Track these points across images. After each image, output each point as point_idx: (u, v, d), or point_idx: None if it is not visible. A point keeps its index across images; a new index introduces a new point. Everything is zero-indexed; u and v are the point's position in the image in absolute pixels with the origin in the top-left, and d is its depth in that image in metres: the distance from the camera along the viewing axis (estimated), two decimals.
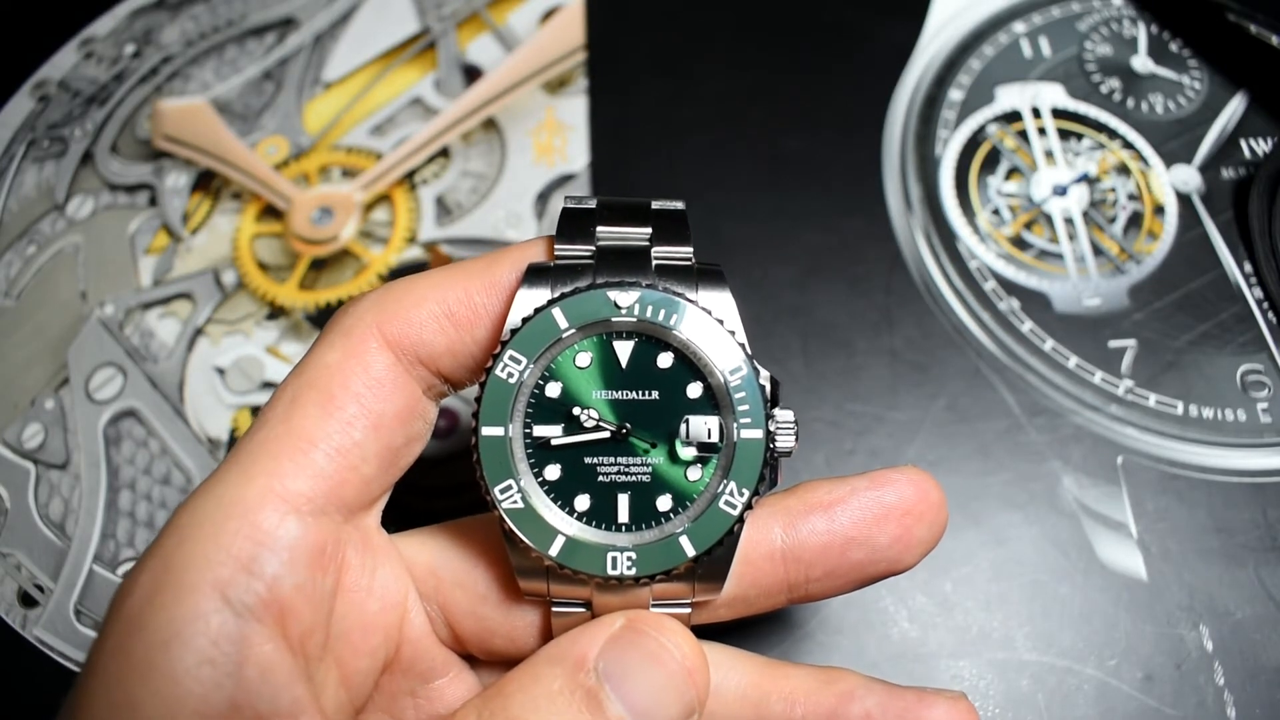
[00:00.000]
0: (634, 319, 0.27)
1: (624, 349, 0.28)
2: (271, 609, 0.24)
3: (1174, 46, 0.52)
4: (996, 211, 0.48)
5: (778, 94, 0.51)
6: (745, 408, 0.27)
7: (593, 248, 0.28)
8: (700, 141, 0.50)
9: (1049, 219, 0.47)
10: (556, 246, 0.29)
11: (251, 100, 0.53)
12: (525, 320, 0.27)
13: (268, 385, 0.45)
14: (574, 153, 0.50)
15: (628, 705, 0.24)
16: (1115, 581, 0.39)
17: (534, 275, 0.28)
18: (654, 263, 0.28)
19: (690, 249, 0.29)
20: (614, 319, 0.27)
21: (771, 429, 0.27)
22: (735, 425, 0.27)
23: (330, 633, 0.26)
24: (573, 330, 0.27)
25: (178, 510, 0.26)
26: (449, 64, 0.53)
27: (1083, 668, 0.37)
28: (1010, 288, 0.45)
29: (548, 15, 0.55)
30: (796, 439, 0.27)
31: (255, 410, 0.44)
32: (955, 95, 0.51)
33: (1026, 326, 0.44)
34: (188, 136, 0.52)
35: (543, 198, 0.49)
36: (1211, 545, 0.39)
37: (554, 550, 0.26)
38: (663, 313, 0.27)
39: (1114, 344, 0.44)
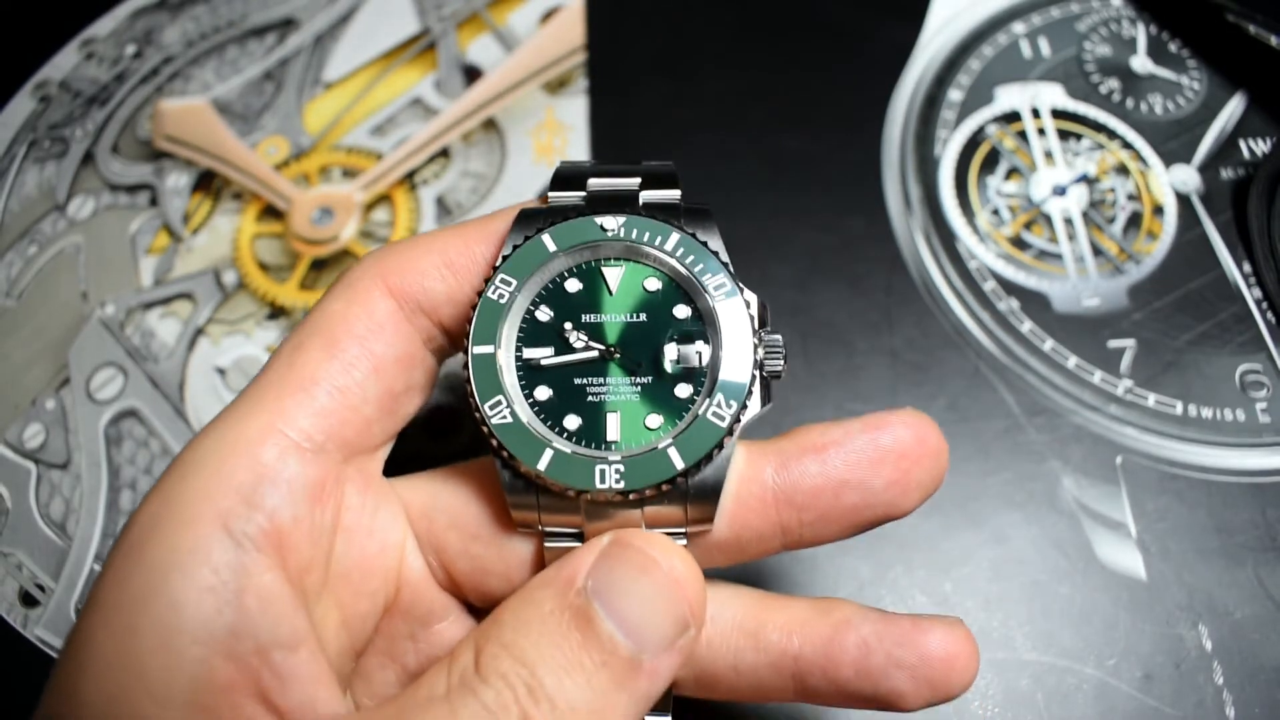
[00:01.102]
0: (621, 241, 0.28)
1: (613, 274, 0.29)
2: (271, 539, 0.25)
3: (1173, 47, 0.52)
4: (996, 212, 0.48)
5: (778, 94, 0.51)
6: (732, 326, 0.28)
7: (584, 193, 0.29)
8: (700, 141, 0.50)
9: (1048, 219, 0.47)
10: (549, 194, 0.30)
11: (252, 100, 0.53)
12: (516, 247, 0.28)
13: None
14: (574, 153, 0.50)
15: (617, 621, 0.24)
16: (1115, 581, 0.39)
17: (525, 218, 0.29)
18: (641, 202, 0.29)
19: (678, 192, 0.29)
20: (602, 242, 0.28)
21: (759, 349, 0.27)
22: (722, 344, 0.27)
23: (330, 571, 0.27)
24: (561, 253, 0.28)
25: (182, 450, 0.26)
26: (449, 64, 0.54)
27: (1082, 667, 0.37)
28: (1010, 288, 0.45)
29: (548, 15, 0.55)
30: (785, 360, 0.28)
31: None
32: (955, 95, 0.51)
33: (1026, 326, 0.44)
34: (188, 137, 0.52)
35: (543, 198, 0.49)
36: (1211, 545, 0.39)
37: (542, 464, 0.26)
38: (648, 234, 0.28)
39: (1113, 344, 0.44)
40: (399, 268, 0.29)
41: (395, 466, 0.30)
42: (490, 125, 0.51)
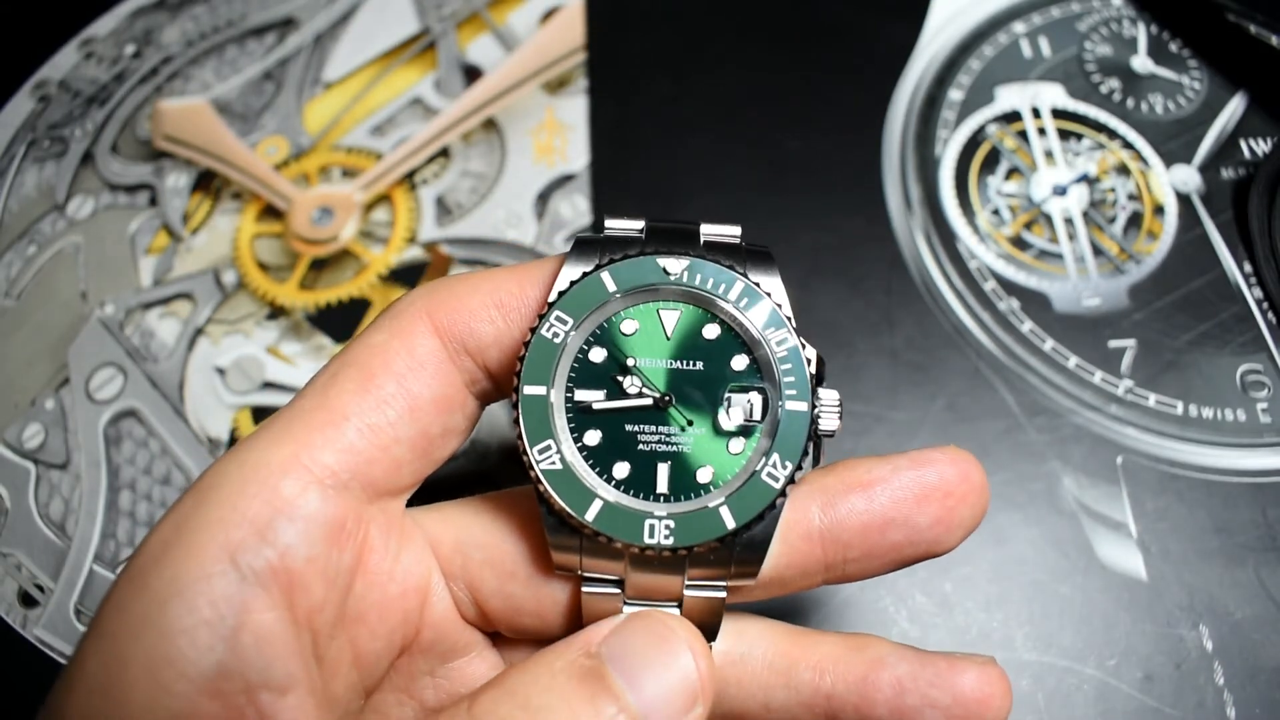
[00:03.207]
0: (683, 287, 0.27)
1: (671, 317, 0.28)
2: (280, 578, 0.24)
3: (1174, 47, 0.52)
4: (996, 211, 0.48)
5: (778, 94, 0.51)
6: (791, 380, 0.27)
7: (642, 223, 0.29)
8: (700, 141, 0.50)
9: (1049, 219, 0.47)
10: (608, 221, 0.29)
11: (252, 100, 0.53)
12: (573, 283, 0.27)
13: (268, 385, 0.45)
14: (574, 153, 0.50)
15: (629, 682, 0.24)
16: (1115, 581, 0.39)
17: (581, 246, 0.28)
18: (703, 239, 0.28)
19: (739, 229, 0.29)
20: (662, 285, 0.27)
21: (816, 407, 0.27)
22: (780, 399, 0.27)
23: (345, 612, 0.26)
24: (620, 294, 0.27)
25: (201, 475, 0.26)
26: (449, 64, 0.53)
27: (1082, 668, 0.37)
28: (1010, 288, 0.45)
29: (548, 15, 0.55)
30: (841, 419, 0.27)
31: (256, 410, 0.44)
32: (955, 95, 0.51)
33: (1026, 326, 0.44)
34: (188, 137, 0.52)
35: (543, 198, 0.49)
36: (1211, 545, 0.39)
37: (590, 515, 0.26)
38: (711, 282, 0.27)
39: (1114, 344, 0.44)
40: (448, 305, 0.28)
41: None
42: (490, 125, 0.51)
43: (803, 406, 0.27)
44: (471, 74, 0.53)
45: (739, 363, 0.27)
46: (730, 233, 0.29)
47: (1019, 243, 0.47)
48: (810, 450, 0.27)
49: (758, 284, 0.27)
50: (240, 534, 0.24)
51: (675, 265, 0.27)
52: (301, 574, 0.24)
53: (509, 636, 0.29)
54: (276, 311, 0.47)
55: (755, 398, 0.27)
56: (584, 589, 0.27)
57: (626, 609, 0.27)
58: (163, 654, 0.22)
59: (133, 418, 0.44)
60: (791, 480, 0.26)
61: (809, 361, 0.27)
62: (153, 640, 0.23)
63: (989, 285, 0.45)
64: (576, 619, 0.28)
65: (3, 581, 0.41)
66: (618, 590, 0.27)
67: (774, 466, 0.26)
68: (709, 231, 0.29)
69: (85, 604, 0.40)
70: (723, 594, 0.27)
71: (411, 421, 0.27)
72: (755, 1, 0.54)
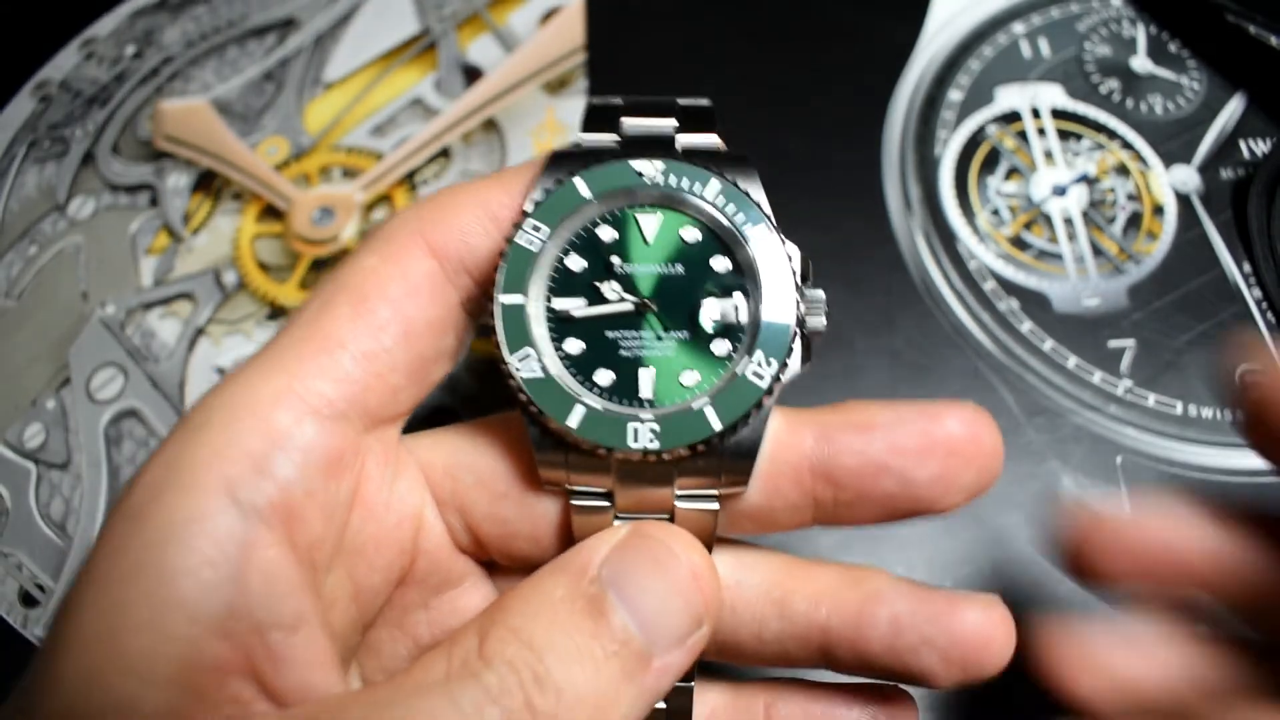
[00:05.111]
0: (659, 188, 0.27)
1: (649, 221, 0.27)
2: (280, 512, 0.23)
3: (1173, 47, 0.52)
4: (996, 212, 0.48)
5: (777, 94, 0.51)
6: (773, 280, 0.26)
7: (618, 136, 0.28)
8: None
9: (1048, 219, 0.47)
10: (582, 134, 0.28)
11: (252, 101, 0.53)
12: (548, 191, 0.27)
13: None
14: None
15: (631, 612, 0.23)
16: None
17: (557, 160, 0.27)
18: (680, 148, 0.28)
19: (716, 137, 0.28)
20: (639, 189, 0.27)
21: (800, 305, 0.26)
22: (762, 299, 0.26)
23: (343, 545, 0.25)
24: (595, 199, 0.27)
25: (189, 411, 0.24)
26: (449, 64, 0.54)
27: None
28: (1010, 288, 0.45)
29: (548, 16, 0.55)
30: (827, 317, 0.26)
31: None
32: (955, 96, 0.51)
33: (1026, 326, 0.44)
34: (189, 137, 0.52)
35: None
36: None
37: (573, 420, 0.25)
38: (687, 181, 0.27)
39: (1113, 344, 0.44)
40: (440, 222, 0.27)
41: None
42: (490, 125, 0.51)
43: (786, 305, 0.26)
44: (472, 74, 0.53)
45: (720, 264, 0.27)
46: (708, 142, 0.28)
47: (1018, 243, 0.47)
48: (796, 349, 0.26)
49: (735, 183, 0.27)
50: (237, 469, 0.23)
51: (650, 168, 0.27)
52: (301, 508, 0.23)
53: (503, 564, 0.29)
54: (277, 312, 0.47)
55: (738, 298, 0.26)
56: (573, 503, 0.26)
57: (617, 524, 0.26)
58: (167, 597, 0.21)
59: (133, 418, 0.44)
60: (778, 379, 0.25)
61: (790, 258, 0.26)
62: (154, 583, 0.21)
63: (989, 285, 0.45)
64: (570, 540, 0.27)
65: (3, 581, 0.41)
66: (608, 504, 0.26)
67: (758, 365, 0.25)
68: (686, 141, 0.28)
69: None
70: (715, 505, 0.26)
71: (407, 346, 0.26)
72: (755, 2, 0.54)
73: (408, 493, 0.27)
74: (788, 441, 0.27)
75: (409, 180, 0.50)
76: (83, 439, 0.44)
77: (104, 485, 0.43)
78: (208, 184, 0.51)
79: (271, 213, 0.50)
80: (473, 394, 0.43)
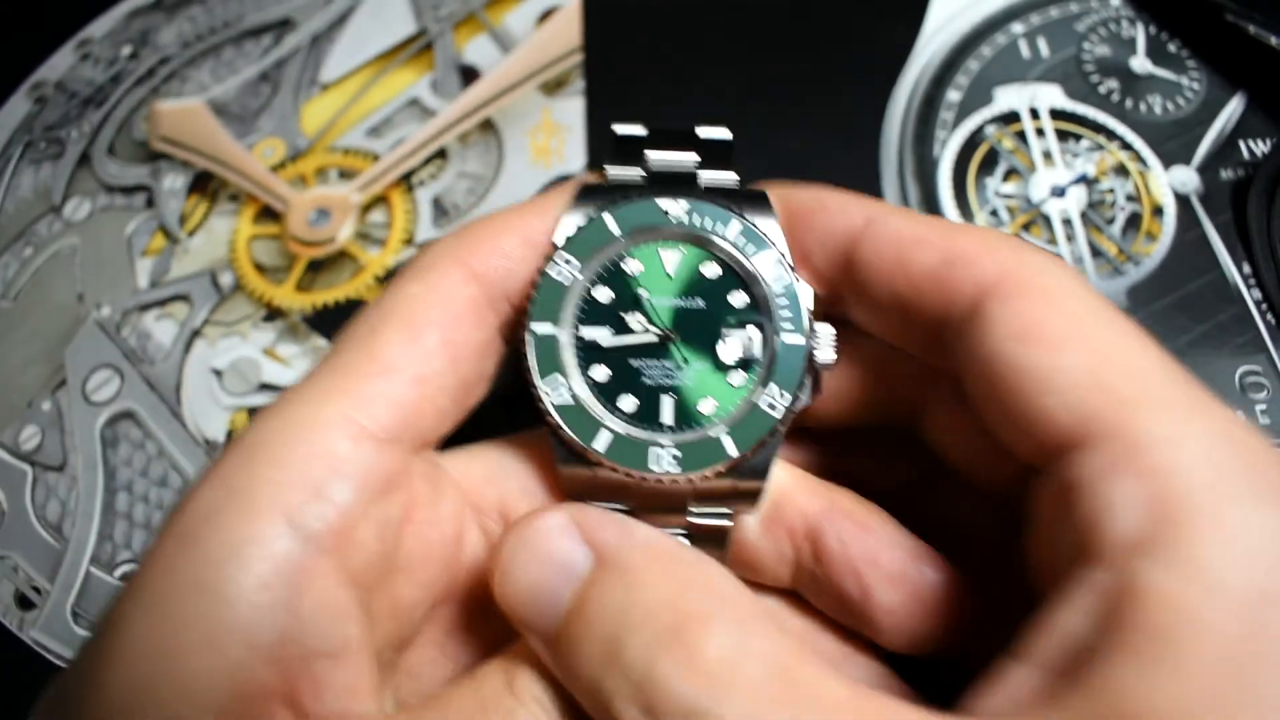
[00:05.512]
0: (683, 227, 0.29)
1: (673, 257, 0.29)
2: (337, 537, 0.23)
3: (1172, 47, 0.52)
4: (995, 213, 0.47)
5: (776, 94, 0.51)
6: (787, 315, 0.28)
7: (643, 170, 0.30)
8: None
9: (1047, 220, 0.47)
10: (608, 167, 0.30)
11: (248, 102, 0.53)
12: (579, 227, 0.28)
13: (265, 387, 0.45)
14: (571, 154, 0.50)
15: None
16: None
17: (587, 193, 0.29)
18: (702, 185, 0.30)
19: (735, 176, 0.30)
20: (664, 226, 0.29)
21: (810, 340, 0.28)
22: (778, 333, 0.28)
23: (392, 565, 0.25)
24: (623, 236, 0.28)
25: (245, 430, 0.25)
26: (446, 65, 0.53)
27: None
28: None
29: (545, 16, 0.55)
30: (838, 351, 0.28)
31: (253, 412, 0.44)
32: (953, 96, 0.51)
33: None
34: (185, 138, 0.52)
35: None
36: None
37: (599, 445, 0.27)
38: (710, 221, 0.29)
39: None
40: (479, 249, 0.28)
41: None
42: (487, 126, 0.51)
43: (799, 340, 0.28)
44: (468, 75, 0.53)
45: (738, 299, 0.29)
46: (727, 180, 0.30)
47: None
48: (808, 383, 0.28)
49: (754, 224, 0.29)
50: (295, 493, 0.23)
51: (675, 207, 0.29)
52: (356, 532, 0.24)
53: None
54: (273, 313, 0.47)
55: (754, 332, 0.28)
56: None
57: None
58: (223, 619, 0.22)
59: (130, 419, 0.44)
60: (790, 410, 0.27)
61: (803, 296, 0.28)
62: (210, 605, 0.22)
63: None
64: None
65: None
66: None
67: (773, 397, 0.27)
68: (707, 178, 0.30)
69: (82, 606, 0.40)
70: (729, 522, 0.28)
71: (454, 370, 0.27)
72: (753, 2, 0.54)
73: (450, 510, 0.28)
74: (797, 501, 0.28)
75: (406, 181, 0.50)
76: (79, 441, 0.44)
77: (100, 487, 0.43)
78: (204, 185, 0.50)
79: (268, 214, 0.49)
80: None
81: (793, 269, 0.28)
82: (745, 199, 0.29)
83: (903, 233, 0.27)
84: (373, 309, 0.27)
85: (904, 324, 0.28)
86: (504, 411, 0.30)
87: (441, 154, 0.51)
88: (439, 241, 0.28)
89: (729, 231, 0.28)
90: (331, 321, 0.46)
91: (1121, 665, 0.19)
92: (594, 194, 0.29)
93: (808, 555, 0.28)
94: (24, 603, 0.40)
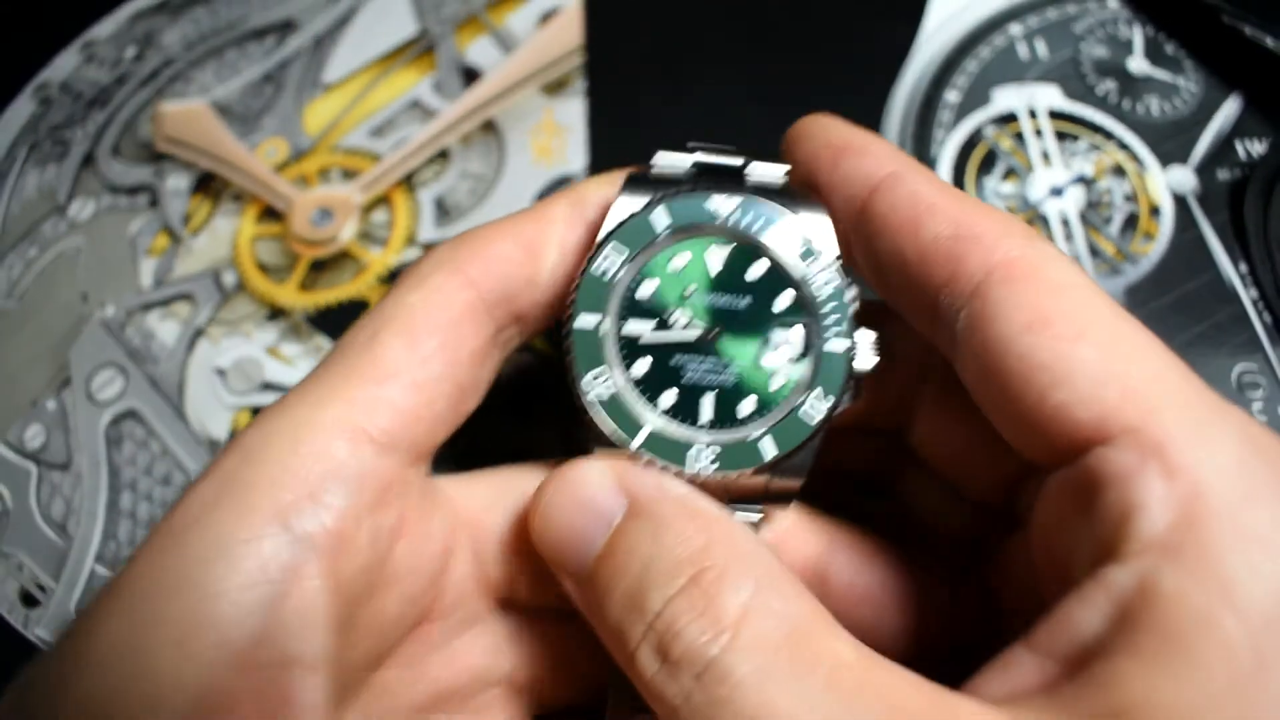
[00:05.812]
0: (731, 225, 0.28)
1: (719, 254, 0.28)
2: (331, 541, 0.23)
3: (1169, 49, 0.52)
4: None
5: (776, 95, 0.51)
6: (833, 319, 0.27)
7: (691, 160, 0.29)
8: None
9: (1045, 220, 0.47)
10: (657, 158, 0.29)
11: (251, 102, 0.53)
12: (624, 220, 0.28)
13: (268, 386, 0.45)
14: (572, 154, 0.50)
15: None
16: None
17: (634, 183, 0.29)
18: (750, 182, 0.29)
19: (785, 168, 0.29)
20: (712, 224, 0.28)
21: (857, 344, 0.27)
22: (822, 337, 0.27)
23: (381, 576, 0.25)
24: (670, 231, 0.28)
25: (242, 431, 0.24)
26: (448, 66, 0.54)
27: None
28: None
29: (546, 17, 0.55)
30: (880, 357, 0.28)
31: (256, 411, 0.44)
32: (952, 97, 0.51)
33: None
34: (188, 139, 0.52)
35: (541, 199, 0.49)
36: None
37: (638, 441, 0.27)
38: (760, 221, 0.28)
39: None
40: (476, 255, 0.28)
41: None
42: (489, 127, 0.52)
43: (843, 344, 0.27)
44: (470, 76, 0.53)
45: (783, 300, 0.28)
46: (776, 176, 0.29)
47: None
48: (849, 388, 0.27)
49: (805, 224, 0.28)
50: (292, 494, 0.23)
51: (725, 204, 0.28)
52: (351, 538, 0.24)
53: (525, 604, 0.29)
54: (276, 313, 0.47)
55: (797, 334, 0.28)
56: None
57: None
58: (203, 615, 0.21)
59: (133, 419, 0.45)
60: (830, 416, 0.27)
61: (852, 299, 0.28)
62: (191, 601, 0.21)
63: None
64: None
65: (4, 581, 0.41)
66: None
67: (814, 401, 0.27)
68: (755, 173, 0.29)
69: (86, 604, 0.40)
70: (758, 516, 0.28)
71: (451, 376, 0.27)
72: (753, 4, 0.55)
73: (441, 527, 0.27)
74: (803, 539, 0.28)
75: (408, 181, 0.50)
76: (83, 439, 0.44)
77: (104, 486, 0.43)
78: (207, 185, 0.51)
79: (271, 214, 0.50)
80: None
81: (841, 270, 0.28)
82: (796, 197, 0.29)
83: (920, 194, 0.27)
84: (371, 316, 0.27)
85: (904, 286, 0.27)
86: (502, 422, 0.29)
87: (443, 154, 0.51)
88: (436, 250, 0.28)
89: (778, 231, 0.28)
90: (334, 321, 0.46)
91: (1131, 664, 0.19)
92: (642, 184, 0.29)
93: (815, 590, 0.28)
94: (29, 600, 0.41)
